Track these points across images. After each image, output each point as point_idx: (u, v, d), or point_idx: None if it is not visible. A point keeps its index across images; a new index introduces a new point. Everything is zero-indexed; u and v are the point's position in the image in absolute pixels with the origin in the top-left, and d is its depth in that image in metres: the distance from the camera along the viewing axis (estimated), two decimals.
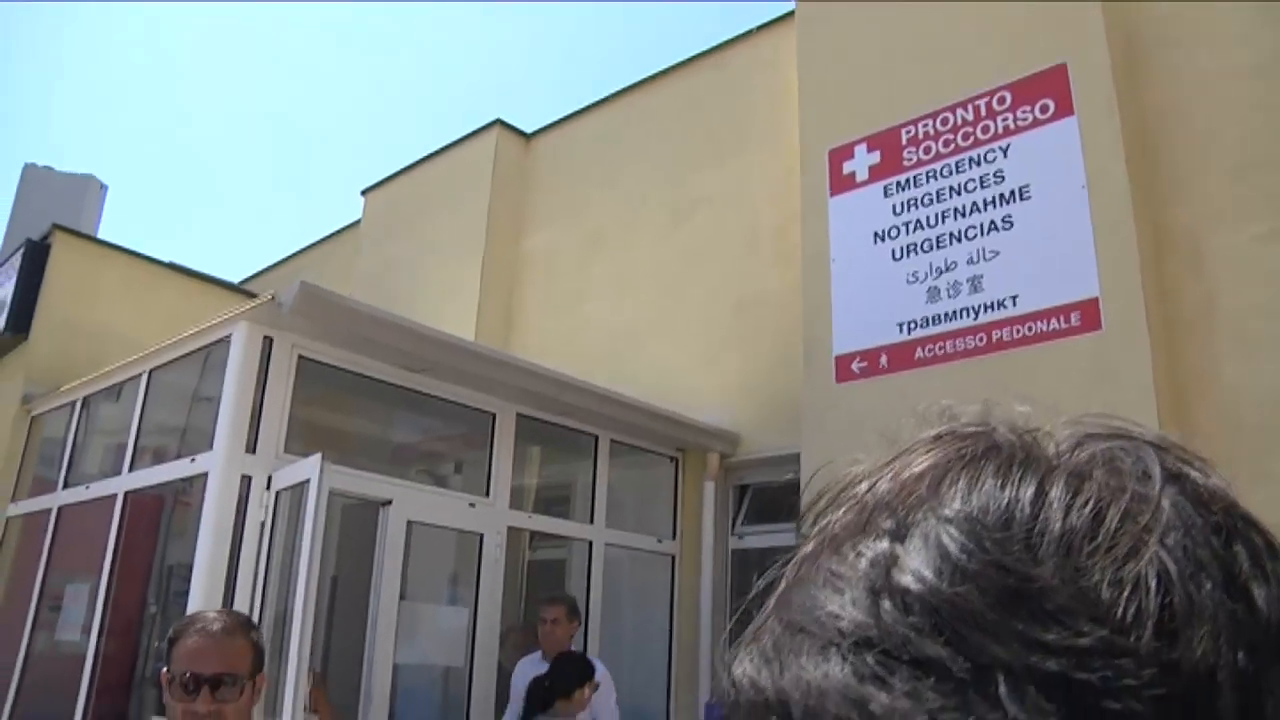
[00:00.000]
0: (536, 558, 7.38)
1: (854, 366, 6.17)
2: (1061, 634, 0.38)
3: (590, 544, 6.74)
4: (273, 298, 5.10)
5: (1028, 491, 0.44)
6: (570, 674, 5.13)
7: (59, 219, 10.02)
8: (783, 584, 0.50)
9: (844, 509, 0.49)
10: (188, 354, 6.12)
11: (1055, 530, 0.42)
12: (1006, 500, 0.44)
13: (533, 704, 5.10)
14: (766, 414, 6.97)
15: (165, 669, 2.37)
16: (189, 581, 5.41)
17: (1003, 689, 0.38)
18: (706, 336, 7.52)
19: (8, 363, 9.37)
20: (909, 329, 6.02)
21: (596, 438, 6.83)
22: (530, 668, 5.71)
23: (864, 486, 0.50)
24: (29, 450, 8.51)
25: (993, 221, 5.85)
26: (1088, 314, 5.31)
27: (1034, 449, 0.47)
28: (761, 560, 7.24)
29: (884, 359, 6.07)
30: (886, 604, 0.42)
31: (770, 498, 7.08)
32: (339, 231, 13.07)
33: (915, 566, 0.42)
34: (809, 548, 0.50)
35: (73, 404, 7.77)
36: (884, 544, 0.45)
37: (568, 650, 5.51)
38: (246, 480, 5.10)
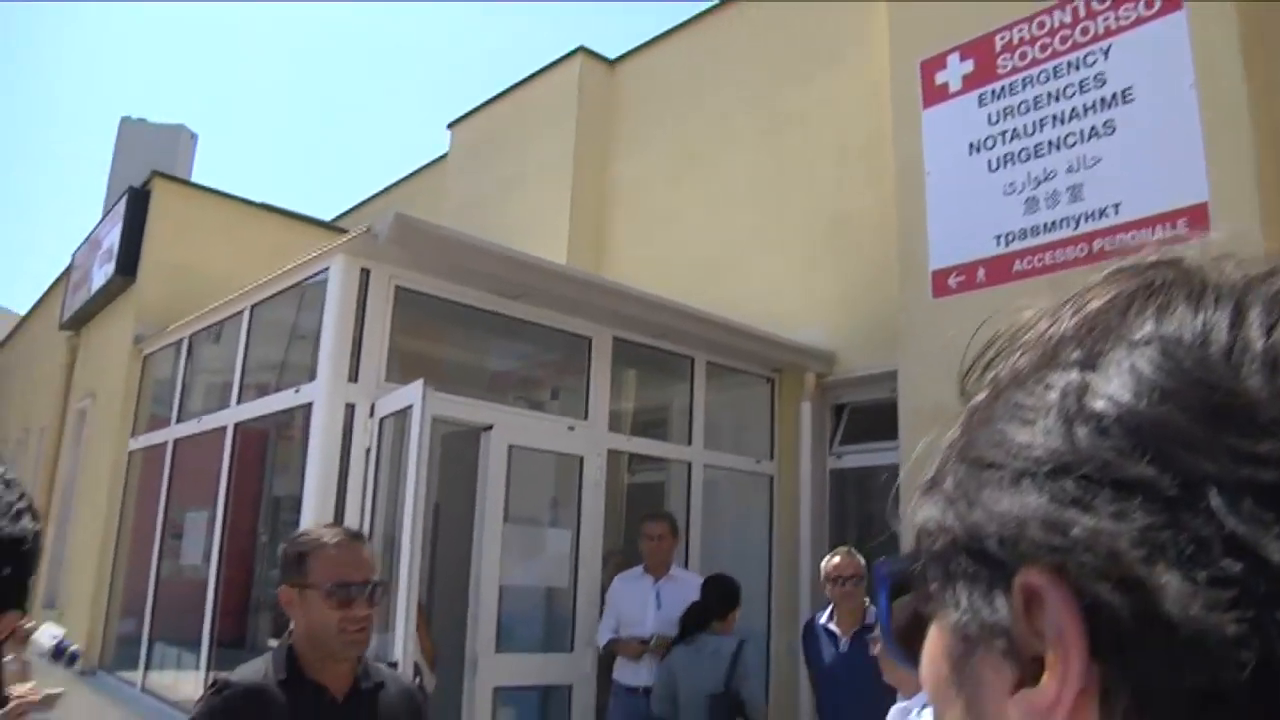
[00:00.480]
0: (636, 481, 7.42)
1: (951, 281, 6.03)
2: (1276, 445, 0.38)
3: (689, 466, 6.75)
4: (368, 230, 5.15)
5: (1223, 314, 0.43)
6: (728, 595, 5.35)
7: (155, 168, 10.22)
8: (957, 435, 0.51)
9: (1021, 352, 0.49)
10: (287, 289, 6.24)
11: (1258, 348, 0.41)
12: (1201, 322, 0.43)
13: (689, 625, 5.25)
14: (862, 332, 6.87)
15: (291, 585, 2.41)
16: (296, 511, 5.58)
17: (1216, 502, 0.37)
18: (800, 255, 7.40)
19: (118, 305, 9.69)
20: (1006, 241, 5.85)
21: (692, 360, 6.81)
22: (631, 584, 5.78)
23: (1044, 325, 0.50)
24: (143, 388, 8.82)
25: (1093, 127, 5.62)
26: (1196, 220, 5.08)
27: (1222, 275, 0.46)
28: (859, 480, 7.19)
29: (981, 273, 5.92)
30: (1081, 430, 0.42)
31: (867, 417, 6.99)
32: (426, 166, 13.15)
33: (1110, 391, 0.42)
34: (980, 398, 0.50)
35: (180, 342, 8.01)
36: (1074, 374, 0.44)
37: (719, 574, 5.59)
38: (350, 408, 5.20)
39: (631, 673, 5.63)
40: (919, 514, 0.50)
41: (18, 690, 3.34)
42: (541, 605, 6.32)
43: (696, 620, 5.25)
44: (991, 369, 0.52)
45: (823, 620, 5.09)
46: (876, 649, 3.14)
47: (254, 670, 2.39)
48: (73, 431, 10.61)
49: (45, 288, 13.83)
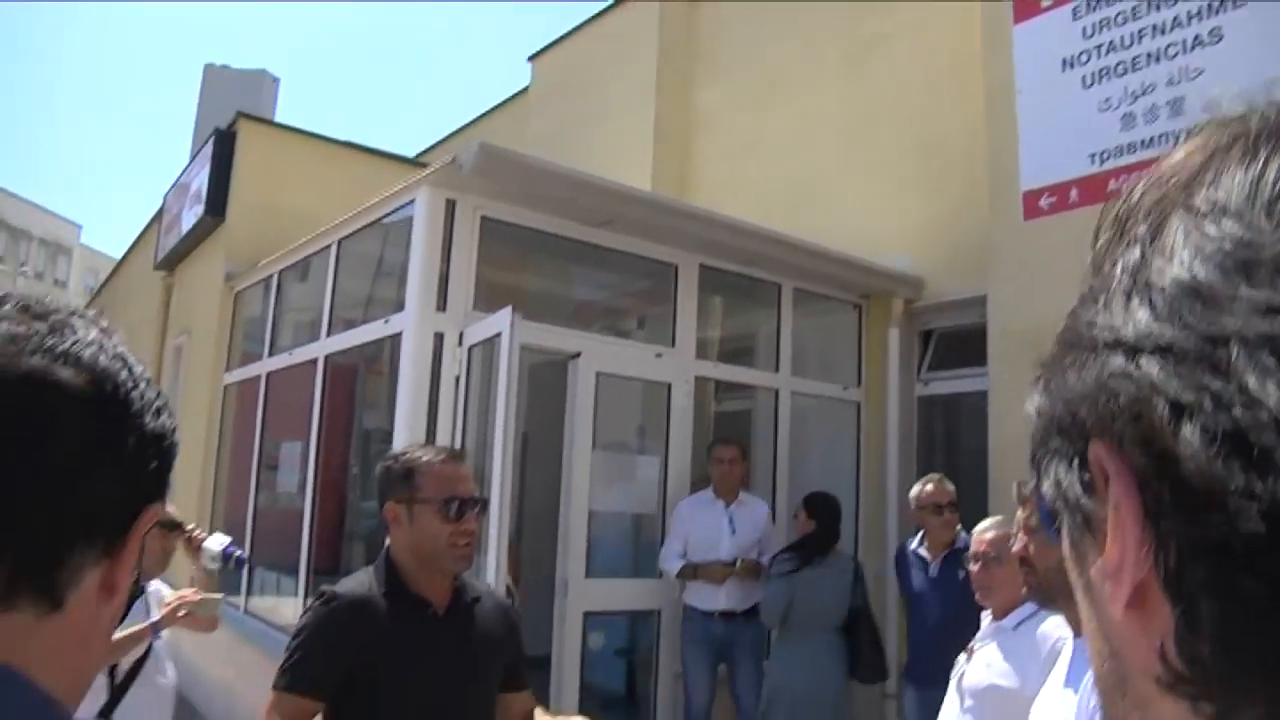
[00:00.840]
0: (723, 409, 7.40)
1: (1042, 203, 5.85)
2: None
3: (776, 393, 6.71)
4: (453, 160, 5.16)
5: (1269, 169, 0.42)
6: (839, 515, 5.59)
7: (240, 111, 10.38)
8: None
9: (1107, 231, 0.50)
10: (373, 222, 6.29)
11: None
12: (1248, 179, 0.42)
13: (818, 547, 5.38)
14: (951, 257, 6.73)
15: (398, 500, 2.44)
16: (387, 444, 5.67)
17: (1236, 357, 0.38)
18: (888, 180, 7.26)
19: (209, 245, 9.90)
20: (1101, 159, 5.65)
21: (779, 286, 6.73)
22: (702, 509, 5.80)
23: (1120, 200, 0.50)
24: (235, 324, 9.03)
25: (1197, 36, 5.36)
26: None
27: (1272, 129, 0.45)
28: (947, 406, 7.10)
29: (1074, 193, 5.73)
30: (1136, 302, 0.43)
31: (956, 343, 6.87)
32: (507, 101, 13.12)
33: (1164, 263, 0.43)
34: (1083, 289, 0.51)
35: (269, 279, 8.15)
36: (1135, 250, 0.45)
37: (826, 494, 5.65)
38: (439, 338, 5.25)
39: (708, 597, 5.68)
40: (1029, 403, 0.51)
41: (182, 593, 3.49)
42: (630, 531, 6.38)
43: (823, 543, 5.41)
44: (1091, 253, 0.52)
45: (913, 546, 5.12)
46: (975, 568, 3.12)
47: (358, 583, 2.45)
48: (170, 368, 10.93)
49: (139, 231, 14.16)
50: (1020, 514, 2.29)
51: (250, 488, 7.81)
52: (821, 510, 5.51)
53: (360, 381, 7.74)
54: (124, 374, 0.73)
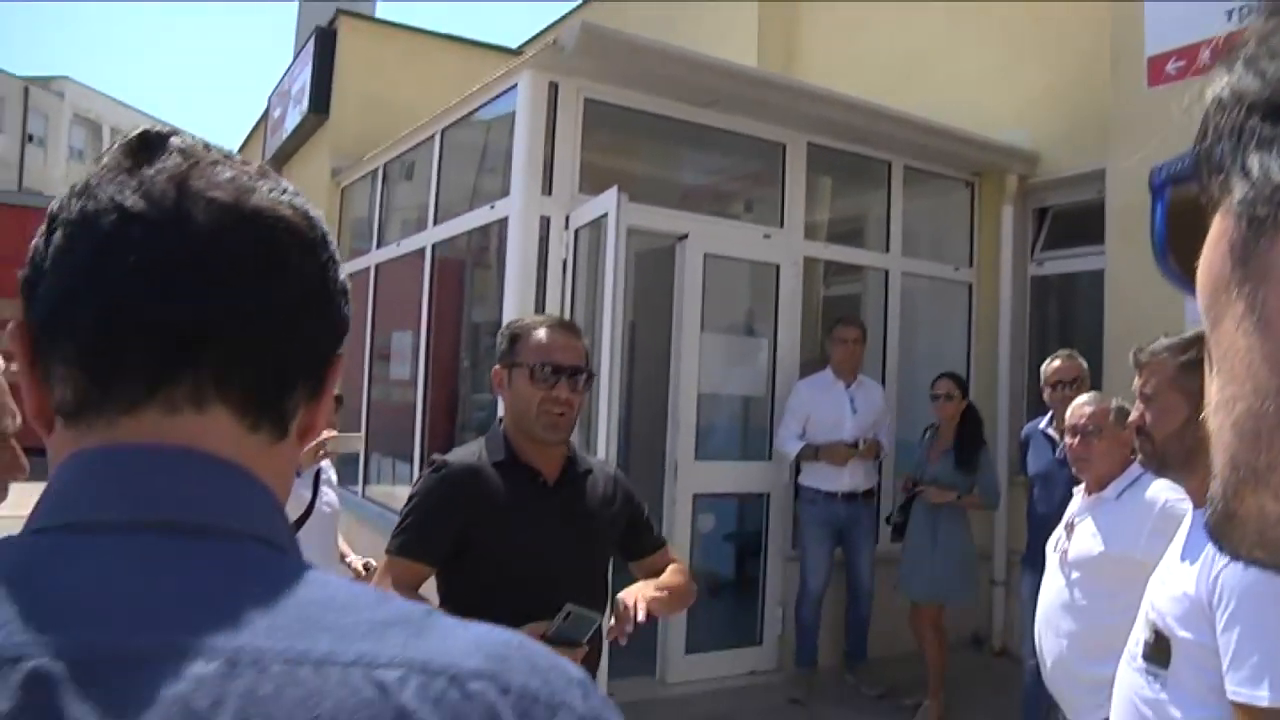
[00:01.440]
0: (831, 293, 7.27)
1: (1169, 68, 5.53)
2: None
3: (886, 274, 6.57)
4: (555, 42, 5.09)
5: None
6: None
7: (340, 8, 10.39)
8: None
9: None
10: (477, 109, 6.25)
11: None
12: None
13: (974, 448, 5.47)
14: (1069, 129, 6.44)
15: (502, 365, 2.44)
16: (495, 336, 5.66)
17: None
18: (1002, 50, 6.94)
19: (314, 142, 10.01)
20: (1240, 16, 5.29)
21: (889, 164, 6.54)
22: (822, 390, 5.76)
23: None
24: (343, 220, 9.16)
25: None
26: None
27: None
28: (1061, 287, 6.88)
29: (1205, 55, 5.38)
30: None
31: (1072, 220, 6.63)
32: None
33: None
34: None
35: (375, 172, 8.21)
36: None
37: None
38: (545, 221, 5.23)
39: (831, 478, 5.67)
40: (1210, 90, 0.46)
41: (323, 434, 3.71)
42: (739, 414, 6.37)
43: (977, 443, 5.51)
44: None
45: (1041, 425, 4.99)
46: (1072, 441, 3.09)
47: (469, 452, 2.46)
48: None
49: (245, 135, 14.39)
50: (1136, 381, 2.21)
51: (364, 380, 7.99)
52: (968, 388, 5.51)
53: (468, 275, 7.80)
54: (323, 221, 0.76)
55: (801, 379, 5.91)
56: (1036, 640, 3.05)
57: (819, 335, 6.54)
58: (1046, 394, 4.86)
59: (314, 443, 3.54)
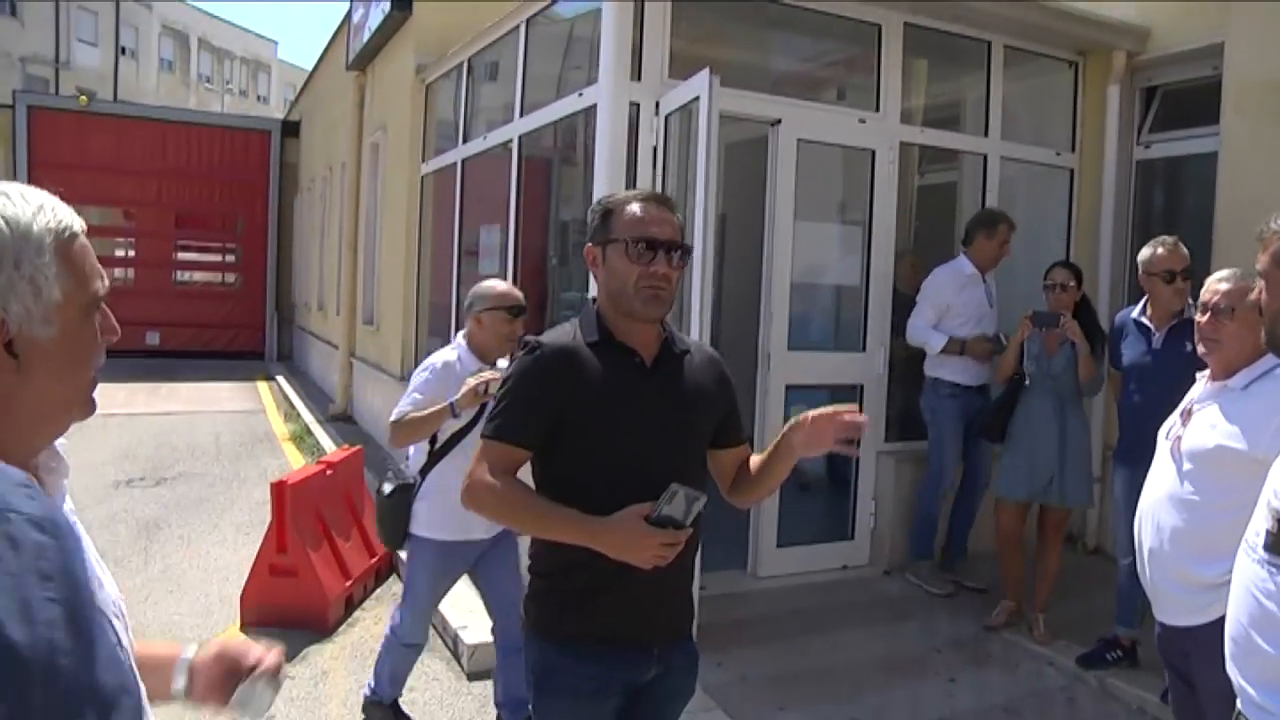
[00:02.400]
0: (925, 182, 7.05)
1: None
2: None
3: (984, 159, 6.34)
4: None
5: None
6: None
7: None
8: None
9: None
10: None
11: None
12: None
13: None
14: (1182, 2, 6.10)
15: (595, 243, 2.37)
16: (583, 234, 5.58)
17: None
18: None
19: (398, 40, 9.95)
20: None
21: (989, 44, 6.26)
22: (964, 281, 5.69)
23: None
24: (429, 116, 9.13)
25: None
26: None
27: None
28: (1169, 171, 6.59)
29: None
30: None
31: (1184, 100, 6.31)
32: None
33: None
34: None
35: (459, 67, 8.13)
36: None
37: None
38: (634, 107, 5.12)
39: (972, 371, 5.67)
40: None
41: (482, 375, 3.65)
42: (832, 304, 6.26)
43: (1096, 333, 5.26)
44: None
45: (1135, 314, 4.76)
46: (1202, 319, 2.88)
47: (563, 333, 2.37)
48: (369, 163, 11.25)
49: (329, 37, 14.40)
50: (1261, 259, 2.05)
51: (452, 276, 8.02)
52: (1082, 278, 5.30)
53: (555, 172, 7.74)
54: None
55: (939, 266, 5.78)
56: (1136, 533, 2.92)
57: (912, 225, 6.38)
58: (1144, 282, 4.64)
59: (468, 389, 3.56)
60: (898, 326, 5.91)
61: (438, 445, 3.78)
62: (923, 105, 6.67)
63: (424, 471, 3.80)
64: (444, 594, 4.07)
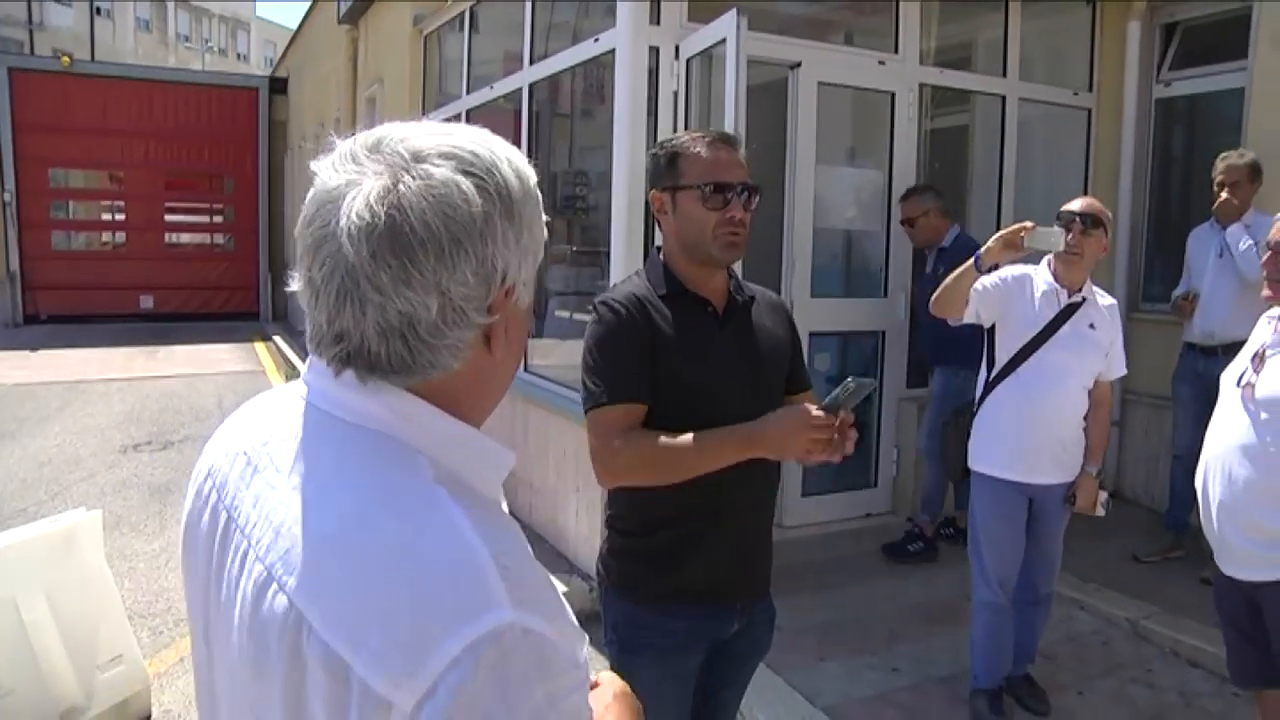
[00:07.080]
0: (935, 126, 6.92)
1: None
2: None
3: (1002, 100, 6.25)
4: None
5: None
6: None
7: None
8: None
9: None
10: None
11: None
12: None
13: None
14: None
15: (663, 189, 2.29)
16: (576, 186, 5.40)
17: None
18: None
19: None
20: None
21: None
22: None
23: None
24: (428, 68, 8.95)
25: None
26: None
27: None
28: (1190, 110, 6.49)
29: None
30: None
31: (1207, 35, 6.20)
32: None
33: None
34: None
35: (461, 16, 7.94)
36: None
37: None
38: (654, 51, 5.01)
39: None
40: None
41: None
42: (854, 250, 6.18)
43: None
44: None
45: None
46: (1267, 258, 2.77)
47: (632, 286, 2.30)
48: (364, 118, 11.04)
49: None
50: None
51: None
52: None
53: (548, 124, 7.59)
54: None
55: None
56: (1201, 482, 2.83)
57: (923, 169, 6.30)
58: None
59: (998, 237, 3.48)
60: (919, 266, 5.78)
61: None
62: (934, 47, 6.55)
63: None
64: None
